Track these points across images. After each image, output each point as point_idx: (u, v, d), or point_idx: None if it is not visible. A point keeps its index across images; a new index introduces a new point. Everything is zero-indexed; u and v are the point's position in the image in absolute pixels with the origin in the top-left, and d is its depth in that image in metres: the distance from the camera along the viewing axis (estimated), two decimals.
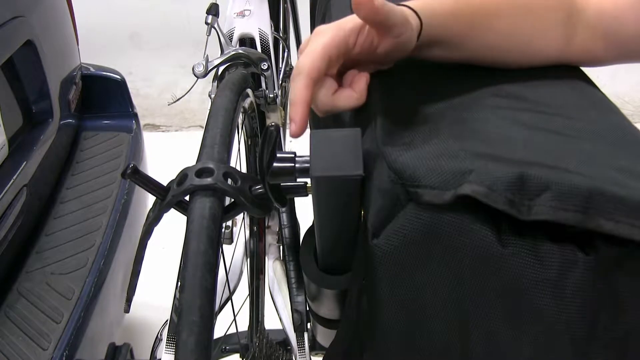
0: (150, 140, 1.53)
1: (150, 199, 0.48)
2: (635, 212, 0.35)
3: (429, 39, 0.48)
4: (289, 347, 0.85)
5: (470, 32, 0.49)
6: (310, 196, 0.45)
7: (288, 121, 0.46)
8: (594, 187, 0.36)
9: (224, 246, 0.83)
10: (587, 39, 0.52)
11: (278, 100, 0.90)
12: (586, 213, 0.35)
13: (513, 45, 0.51)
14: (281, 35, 1.24)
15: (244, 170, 0.90)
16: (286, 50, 1.28)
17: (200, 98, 2.25)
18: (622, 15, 0.51)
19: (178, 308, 0.37)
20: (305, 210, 0.69)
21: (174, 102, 1.00)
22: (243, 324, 0.96)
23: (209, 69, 0.83)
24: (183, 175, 0.45)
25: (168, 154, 1.82)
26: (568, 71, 0.53)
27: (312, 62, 0.44)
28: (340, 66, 0.47)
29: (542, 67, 0.53)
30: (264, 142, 0.42)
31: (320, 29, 0.46)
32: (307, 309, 0.77)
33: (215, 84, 0.87)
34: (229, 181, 0.45)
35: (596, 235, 0.36)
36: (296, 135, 0.43)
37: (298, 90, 0.44)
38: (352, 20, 0.45)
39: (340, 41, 0.45)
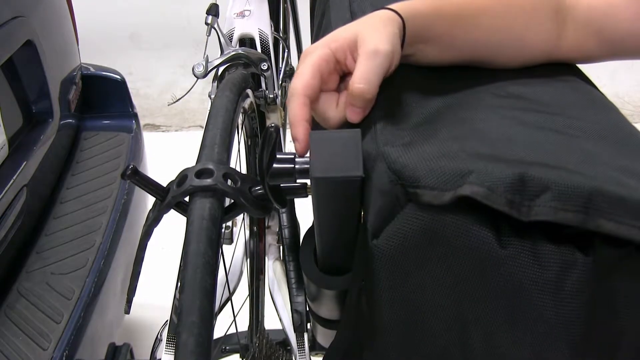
0: (150, 140, 1.53)
1: (151, 199, 0.48)
2: (635, 213, 0.35)
3: (414, 39, 0.48)
4: (289, 348, 0.85)
5: (456, 30, 0.49)
6: (310, 197, 0.45)
7: (288, 123, 0.47)
8: (594, 187, 0.36)
9: (224, 246, 0.83)
10: (579, 35, 0.52)
11: (278, 100, 0.90)
12: (587, 213, 0.35)
13: (502, 41, 0.51)
14: (281, 35, 1.24)
15: (244, 170, 0.90)
16: (286, 50, 1.28)
17: (200, 98, 2.25)
18: (614, 12, 0.51)
19: (178, 309, 0.37)
20: (305, 210, 0.69)
21: (174, 102, 1.00)
22: (243, 324, 0.96)
23: (209, 69, 0.83)
24: (183, 176, 0.45)
25: (168, 154, 1.82)
26: (567, 71, 0.53)
27: (303, 81, 0.45)
28: (339, 79, 0.48)
29: (541, 67, 0.53)
30: (264, 142, 0.42)
31: (308, 49, 0.47)
32: (307, 309, 0.77)
33: (215, 84, 0.87)
34: (229, 182, 0.45)
35: (595, 236, 0.36)
36: (303, 153, 0.44)
37: (295, 109, 0.44)
38: (341, 38, 0.46)
39: (328, 57, 0.45)
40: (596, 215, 0.35)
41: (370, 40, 0.44)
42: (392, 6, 0.47)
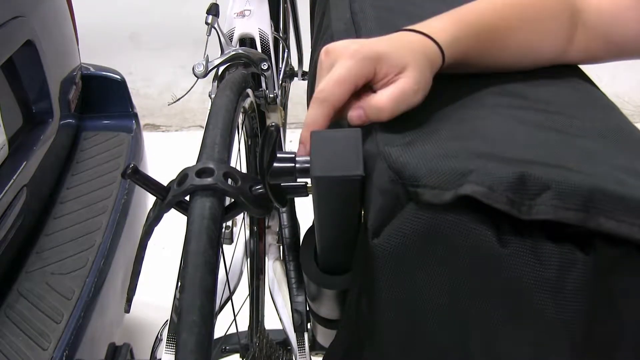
0: (150, 140, 1.53)
1: (151, 199, 0.48)
2: (635, 211, 0.35)
3: (450, 65, 0.47)
4: (289, 347, 0.85)
5: (486, 52, 0.49)
6: (310, 196, 0.45)
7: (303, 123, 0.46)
8: (594, 185, 0.36)
9: (224, 246, 0.83)
10: (587, 38, 0.52)
11: (278, 100, 0.90)
12: (587, 212, 0.35)
13: (522, 54, 0.51)
14: (281, 35, 1.24)
15: (244, 170, 0.90)
16: (286, 50, 1.28)
17: (200, 98, 2.25)
18: (621, 14, 0.51)
19: (178, 308, 0.37)
20: (305, 210, 0.69)
21: (174, 102, 1.00)
22: (243, 324, 0.96)
23: (209, 69, 0.83)
24: (183, 175, 0.45)
25: (168, 154, 1.82)
26: (568, 70, 0.53)
27: (339, 92, 0.43)
28: None
29: (543, 67, 0.53)
30: (264, 142, 0.42)
31: (347, 51, 0.43)
32: (307, 309, 0.77)
33: (216, 84, 0.87)
34: (229, 181, 0.45)
35: (595, 235, 0.36)
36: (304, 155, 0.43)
37: (318, 117, 0.43)
38: (389, 62, 0.43)
39: (369, 74, 0.43)
40: (596, 214, 0.35)
41: (415, 81, 0.43)
42: (436, 36, 0.46)
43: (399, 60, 0.43)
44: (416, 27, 0.46)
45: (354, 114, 0.44)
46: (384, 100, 0.42)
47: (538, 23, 0.51)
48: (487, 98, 0.47)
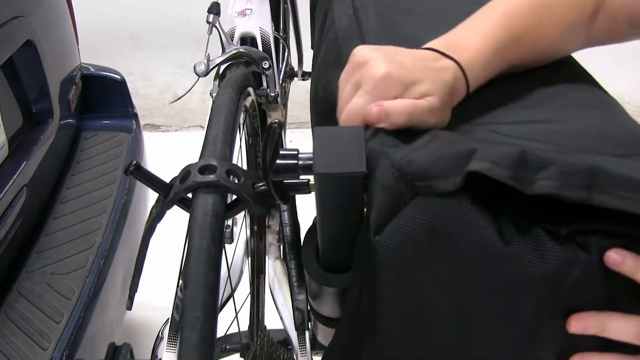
0: (150, 140, 1.53)
1: (151, 199, 0.48)
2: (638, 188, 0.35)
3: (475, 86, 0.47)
4: (290, 346, 0.85)
5: (512, 61, 0.49)
6: (312, 193, 0.45)
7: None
8: (596, 164, 0.36)
9: (225, 245, 0.82)
10: (609, 20, 0.51)
11: (279, 99, 0.90)
12: (590, 189, 0.35)
13: (546, 54, 0.51)
14: (281, 35, 1.24)
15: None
16: (286, 50, 1.28)
17: (200, 98, 2.25)
18: None
19: (180, 304, 0.37)
20: (305, 209, 0.69)
21: (176, 100, 1.00)
22: (244, 324, 0.96)
23: (210, 68, 0.83)
24: (186, 172, 0.45)
25: (168, 154, 1.82)
26: (570, 70, 0.53)
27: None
28: None
29: (545, 66, 0.53)
30: (267, 139, 0.42)
31: (378, 75, 0.43)
32: (308, 307, 0.77)
33: (217, 82, 0.87)
34: (232, 178, 0.45)
35: (595, 233, 0.36)
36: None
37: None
38: (407, 78, 0.43)
39: (395, 95, 0.43)
40: (600, 190, 0.35)
41: (432, 106, 0.43)
42: (467, 63, 0.45)
43: (427, 89, 0.43)
44: (449, 46, 0.46)
45: (374, 109, 0.43)
46: (397, 105, 0.42)
47: (564, 22, 0.50)
48: (489, 99, 0.47)
